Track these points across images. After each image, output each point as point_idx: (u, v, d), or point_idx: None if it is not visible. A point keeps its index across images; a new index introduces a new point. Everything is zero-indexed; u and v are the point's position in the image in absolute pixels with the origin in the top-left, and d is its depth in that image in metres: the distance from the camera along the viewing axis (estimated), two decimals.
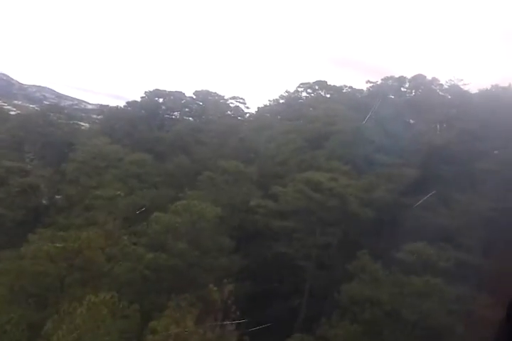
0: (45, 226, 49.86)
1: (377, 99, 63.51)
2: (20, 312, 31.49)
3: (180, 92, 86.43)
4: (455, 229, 42.15)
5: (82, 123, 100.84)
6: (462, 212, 43.64)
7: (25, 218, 56.28)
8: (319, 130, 60.42)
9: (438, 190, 45.74)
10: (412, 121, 65.61)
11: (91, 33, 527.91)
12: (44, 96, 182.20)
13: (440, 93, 70.76)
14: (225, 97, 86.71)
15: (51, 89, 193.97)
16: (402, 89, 74.26)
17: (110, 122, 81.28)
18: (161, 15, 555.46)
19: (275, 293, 44.11)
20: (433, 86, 71.95)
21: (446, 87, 70.79)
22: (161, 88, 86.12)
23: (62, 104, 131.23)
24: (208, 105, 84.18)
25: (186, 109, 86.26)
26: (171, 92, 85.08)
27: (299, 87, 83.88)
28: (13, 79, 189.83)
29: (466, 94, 67.03)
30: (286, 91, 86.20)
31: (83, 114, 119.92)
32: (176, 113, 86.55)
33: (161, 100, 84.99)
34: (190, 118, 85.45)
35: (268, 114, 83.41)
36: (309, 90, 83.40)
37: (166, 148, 69.48)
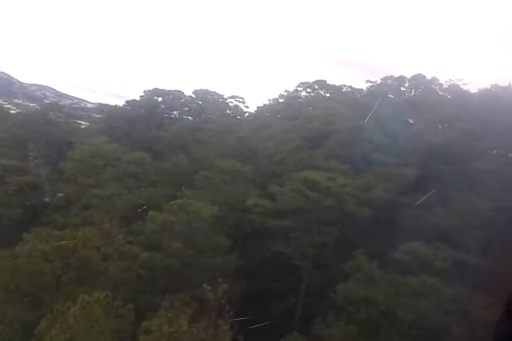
0: (43, 224, 49.84)
1: (376, 99, 63.16)
2: (14, 311, 31.46)
3: (180, 91, 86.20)
4: (453, 228, 42.00)
5: (82, 122, 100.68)
6: (460, 211, 43.47)
7: (23, 217, 56.19)
8: (318, 129, 60.28)
9: (436, 189, 45.47)
10: (411, 121, 65.31)
11: (91, 32, 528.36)
12: (44, 95, 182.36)
13: (440, 93, 70.41)
14: (225, 96, 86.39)
15: (51, 88, 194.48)
16: (402, 88, 73.92)
17: (109, 121, 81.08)
18: (161, 14, 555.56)
19: (272, 293, 43.98)
20: (433, 85, 71.61)
21: (446, 86, 70.47)
22: (161, 87, 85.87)
23: (62, 103, 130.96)
24: (207, 104, 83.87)
25: (185, 108, 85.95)
26: (170, 91, 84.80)
27: (298, 86, 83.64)
28: (13, 77, 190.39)
29: (465, 93, 66.70)
30: (286, 91, 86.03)
31: (83, 113, 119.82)
32: (175, 112, 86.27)
33: (160, 99, 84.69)
34: (190, 118, 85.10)
35: (267, 113, 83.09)
36: (309, 89, 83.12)
37: (164, 147, 69.32)
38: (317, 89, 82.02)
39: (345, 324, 32.39)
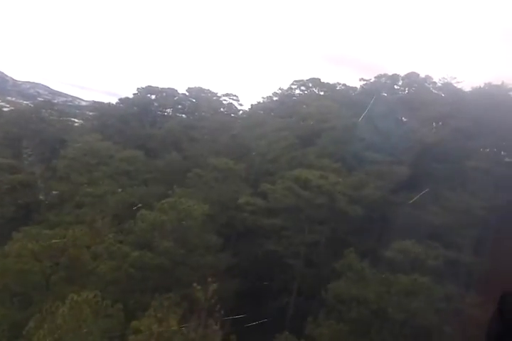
0: (36, 223, 49.71)
1: (370, 97, 63.02)
2: (3, 311, 31.26)
3: (173, 89, 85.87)
4: (445, 227, 41.93)
5: (75, 120, 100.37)
6: (452, 210, 43.37)
7: (16, 215, 56.03)
8: (311, 127, 60.21)
9: (429, 187, 45.43)
10: (404, 119, 65.25)
11: (86, 30, 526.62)
12: (38, 92, 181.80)
13: (433, 91, 70.25)
14: (218, 94, 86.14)
15: (45, 86, 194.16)
16: (395, 86, 73.78)
17: (102, 119, 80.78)
18: (156, 12, 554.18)
19: (265, 291, 43.87)
20: (426, 84, 71.52)
21: (440, 84, 70.44)
22: (155, 85, 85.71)
23: (56, 101, 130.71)
24: (201, 102, 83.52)
25: (179, 106, 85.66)
26: (163, 89, 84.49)
27: (292, 84, 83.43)
28: (7, 75, 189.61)
29: (459, 92, 66.67)
30: (280, 89, 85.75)
31: (77, 111, 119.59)
32: (168, 110, 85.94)
33: (153, 97, 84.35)
34: (183, 115, 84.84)
35: (261, 111, 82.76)
36: (303, 87, 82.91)
37: (157, 144, 69.14)
38: (311, 87, 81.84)
39: (336, 323, 32.27)
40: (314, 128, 59.10)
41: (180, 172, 54.94)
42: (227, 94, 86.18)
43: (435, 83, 71.08)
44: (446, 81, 69.21)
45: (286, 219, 43.13)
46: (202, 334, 26.89)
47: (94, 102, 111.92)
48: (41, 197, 63.84)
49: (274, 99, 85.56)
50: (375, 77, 75.37)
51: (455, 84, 68.66)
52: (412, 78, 72.09)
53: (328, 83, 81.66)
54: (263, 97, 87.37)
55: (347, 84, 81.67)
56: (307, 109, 67.57)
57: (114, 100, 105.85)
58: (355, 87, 79.19)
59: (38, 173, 65.99)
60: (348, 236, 43.51)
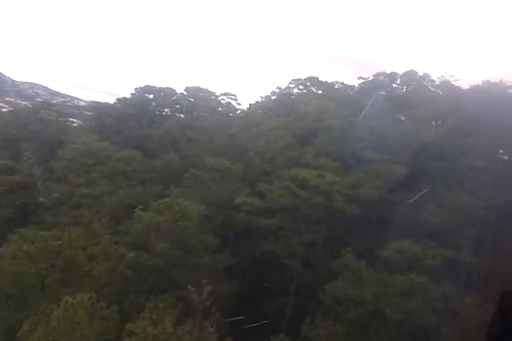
0: (34, 224, 49.65)
1: (368, 95, 62.74)
2: None
3: (171, 89, 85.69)
4: (443, 226, 41.66)
5: (74, 121, 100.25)
6: (450, 209, 43.11)
7: (14, 216, 55.95)
8: (309, 126, 59.86)
9: (426, 186, 45.20)
10: (402, 118, 64.98)
11: (84, 30, 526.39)
12: (36, 93, 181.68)
13: (431, 89, 70.00)
14: (217, 94, 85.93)
15: (44, 86, 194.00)
16: (394, 85, 73.48)
17: (100, 119, 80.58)
18: (154, 12, 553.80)
19: (263, 292, 43.67)
20: (424, 82, 71.20)
21: (438, 82, 70.09)
22: (152, 84, 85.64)
23: (54, 101, 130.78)
24: (199, 101, 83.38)
25: (177, 106, 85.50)
26: (161, 89, 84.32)
27: (290, 83, 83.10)
28: (5, 75, 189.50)
29: (457, 89, 66.41)
30: (278, 88, 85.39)
31: (76, 111, 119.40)
32: (166, 109, 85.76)
33: (151, 96, 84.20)
34: (181, 115, 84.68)
35: (260, 110, 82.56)
36: (301, 86, 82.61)
37: (155, 144, 68.95)
38: (309, 86, 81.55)
39: (333, 324, 32.07)
40: (312, 128, 58.79)
41: (178, 173, 54.73)
42: (225, 94, 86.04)
43: (433, 81, 70.76)
44: (444, 79, 68.89)
45: (283, 219, 42.92)
46: (197, 337, 26.75)
47: (93, 102, 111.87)
48: (41, 199, 63.76)
49: (273, 98, 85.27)
50: (373, 76, 74.94)
51: (453, 82, 68.37)
52: (410, 76, 71.78)
53: (326, 82, 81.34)
54: (261, 96, 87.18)
55: (345, 83, 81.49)
56: (305, 108, 67.33)
57: (113, 100, 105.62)
58: (354, 86, 78.86)
59: (37, 175, 65.96)
60: (345, 236, 43.29)
